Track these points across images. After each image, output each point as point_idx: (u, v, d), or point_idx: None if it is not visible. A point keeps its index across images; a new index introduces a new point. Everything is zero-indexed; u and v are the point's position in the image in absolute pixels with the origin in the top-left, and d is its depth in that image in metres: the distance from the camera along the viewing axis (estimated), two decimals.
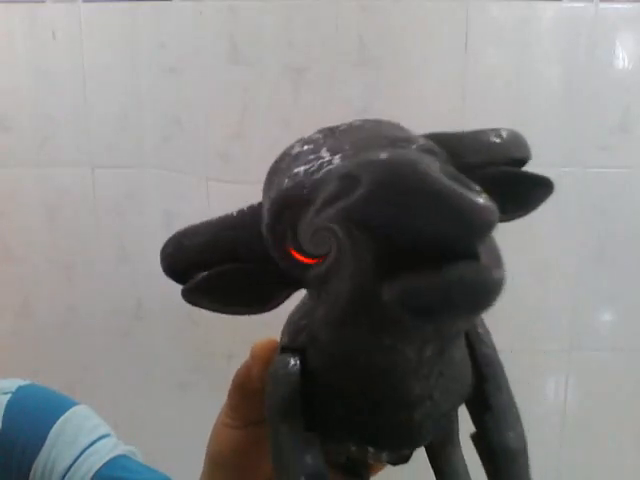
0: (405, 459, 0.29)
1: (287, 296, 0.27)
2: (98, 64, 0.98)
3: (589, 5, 0.94)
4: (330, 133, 0.25)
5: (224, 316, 0.28)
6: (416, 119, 0.28)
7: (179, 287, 0.27)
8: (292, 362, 0.26)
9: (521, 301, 0.98)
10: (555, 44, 0.96)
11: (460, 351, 0.27)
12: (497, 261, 0.19)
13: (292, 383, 0.26)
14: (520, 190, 0.28)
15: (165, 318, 1.01)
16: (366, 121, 0.25)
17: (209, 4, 0.95)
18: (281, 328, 0.30)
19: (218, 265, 0.27)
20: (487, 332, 0.29)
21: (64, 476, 0.49)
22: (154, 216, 1.00)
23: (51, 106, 0.99)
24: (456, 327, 0.21)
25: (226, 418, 0.33)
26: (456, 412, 0.32)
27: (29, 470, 0.49)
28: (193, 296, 0.27)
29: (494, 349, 0.28)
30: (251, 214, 0.26)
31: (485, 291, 0.18)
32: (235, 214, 0.27)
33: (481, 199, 0.17)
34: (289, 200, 0.23)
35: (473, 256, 0.18)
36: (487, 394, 0.27)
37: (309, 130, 0.26)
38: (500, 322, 0.27)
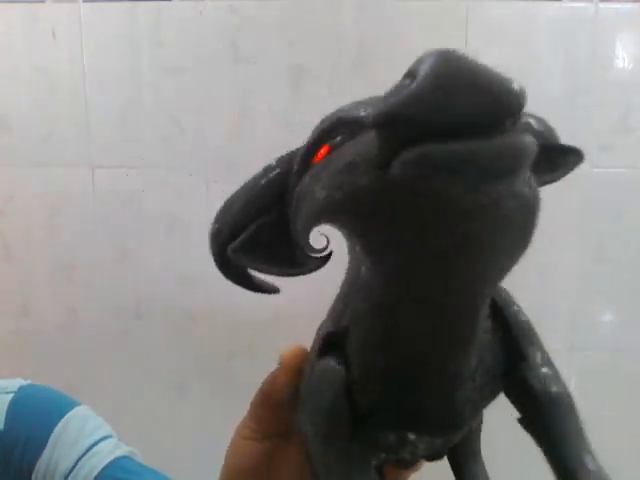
0: (440, 455, 0.29)
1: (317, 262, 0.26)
2: (98, 64, 0.98)
3: (589, 5, 0.94)
4: None
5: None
6: None
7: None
8: (336, 368, 0.25)
9: (521, 301, 0.98)
10: (555, 44, 0.96)
11: (489, 334, 0.26)
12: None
13: (338, 393, 0.24)
14: (551, 158, 0.29)
15: (165, 318, 1.00)
16: None
17: (209, 4, 0.95)
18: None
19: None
20: (508, 293, 0.28)
21: (66, 477, 0.48)
22: (154, 216, 1.00)
23: (51, 106, 0.99)
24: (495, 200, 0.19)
25: (247, 430, 0.31)
26: (480, 428, 0.32)
27: (31, 471, 0.49)
28: (238, 256, 0.25)
29: (519, 306, 0.28)
30: (289, 155, 0.26)
31: (512, 152, 0.18)
32: (274, 162, 0.26)
33: (514, 83, 0.18)
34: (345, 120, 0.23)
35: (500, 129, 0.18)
36: (520, 348, 0.26)
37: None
38: None
